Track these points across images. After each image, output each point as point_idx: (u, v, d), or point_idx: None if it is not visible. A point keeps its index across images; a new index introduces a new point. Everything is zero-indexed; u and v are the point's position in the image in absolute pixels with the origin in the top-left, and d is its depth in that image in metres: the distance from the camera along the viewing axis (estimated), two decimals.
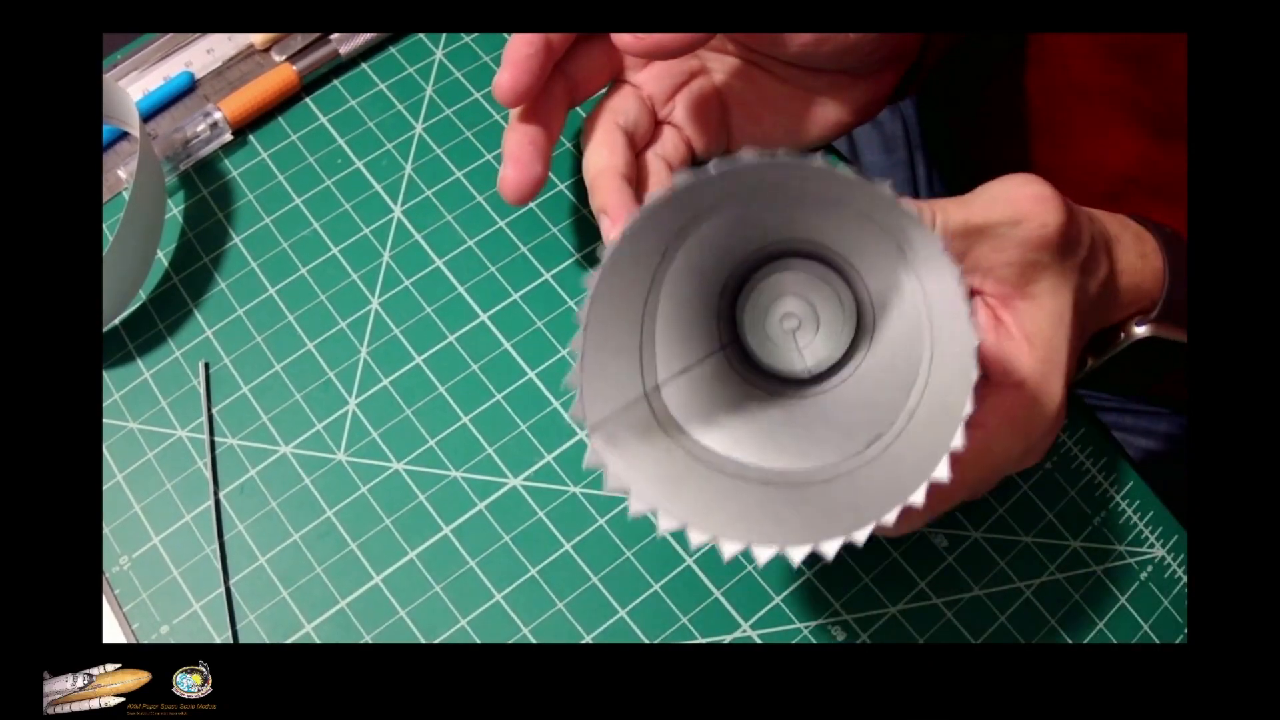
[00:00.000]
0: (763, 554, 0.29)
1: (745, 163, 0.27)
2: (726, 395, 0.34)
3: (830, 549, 0.28)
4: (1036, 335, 0.34)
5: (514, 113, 0.40)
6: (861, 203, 0.30)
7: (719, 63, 0.42)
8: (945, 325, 0.30)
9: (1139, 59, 0.42)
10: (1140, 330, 0.38)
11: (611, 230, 0.38)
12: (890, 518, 0.28)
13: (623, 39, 0.37)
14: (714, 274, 0.34)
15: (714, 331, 0.34)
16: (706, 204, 0.31)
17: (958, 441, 0.27)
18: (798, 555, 0.28)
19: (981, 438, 0.33)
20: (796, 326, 0.34)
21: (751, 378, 0.35)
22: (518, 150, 0.38)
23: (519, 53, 0.38)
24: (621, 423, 0.31)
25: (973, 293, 0.34)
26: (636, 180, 0.40)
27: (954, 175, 0.64)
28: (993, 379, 0.34)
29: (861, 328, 0.34)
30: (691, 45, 0.37)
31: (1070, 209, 0.33)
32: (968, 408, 0.27)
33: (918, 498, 0.28)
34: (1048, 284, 0.34)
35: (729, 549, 0.29)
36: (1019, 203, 0.33)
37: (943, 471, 0.27)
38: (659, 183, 0.41)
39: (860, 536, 0.28)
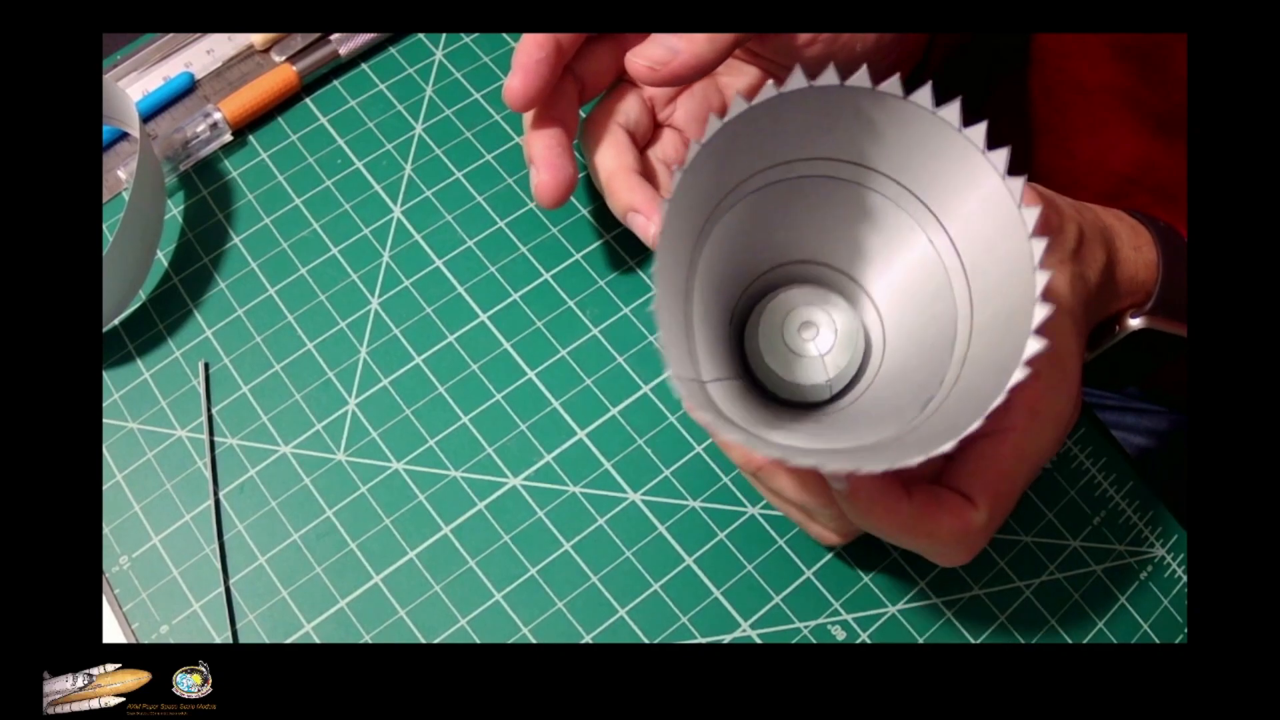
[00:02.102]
0: (875, 468, 0.28)
1: (824, 84, 0.29)
2: (757, 413, 0.33)
3: (947, 446, 0.28)
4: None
5: (529, 118, 0.39)
6: (907, 139, 0.30)
7: (724, 65, 0.42)
8: (986, 258, 0.30)
9: (1143, 58, 0.42)
10: (1135, 322, 0.38)
11: (650, 226, 0.38)
12: (976, 425, 0.27)
13: (637, 69, 0.37)
14: (723, 296, 0.34)
15: (728, 359, 0.34)
16: (731, 185, 0.32)
17: (1020, 373, 0.27)
18: (915, 459, 0.28)
19: (1014, 442, 0.33)
20: (815, 335, 0.34)
21: (772, 405, 0.35)
22: (547, 154, 0.38)
23: (530, 57, 0.37)
24: (692, 387, 0.31)
25: None
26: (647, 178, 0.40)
27: None
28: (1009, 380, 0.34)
29: (870, 337, 0.34)
30: (703, 72, 0.37)
31: (1047, 200, 0.33)
32: (1033, 344, 0.28)
33: (977, 423, 0.28)
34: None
35: (832, 468, 0.28)
36: None
37: (1002, 396, 0.28)
38: (662, 185, 0.41)
39: (952, 445, 0.27)
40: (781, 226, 0.34)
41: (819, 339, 0.34)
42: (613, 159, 0.40)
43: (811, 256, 0.35)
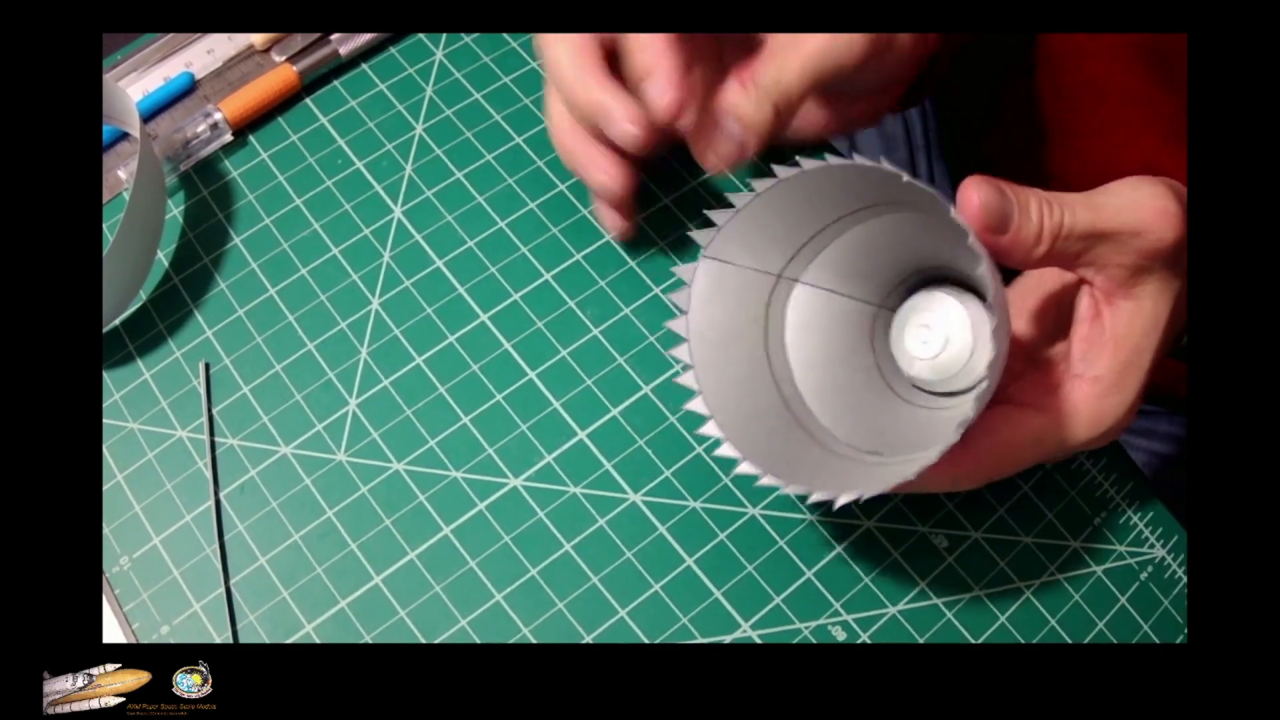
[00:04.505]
0: (814, 497, 0.34)
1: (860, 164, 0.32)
2: (857, 390, 0.38)
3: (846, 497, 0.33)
4: (1126, 339, 0.34)
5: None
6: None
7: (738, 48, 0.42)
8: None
9: (1160, 61, 0.42)
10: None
11: (624, 110, 0.37)
12: (920, 465, 0.32)
13: (719, 168, 0.37)
14: (871, 285, 0.38)
15: (866, 343, 0.38)
16: (830, 215, 0.36)
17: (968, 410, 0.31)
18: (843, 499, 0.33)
19: (1042, 424, 0.35)
20: (927, 339, 0.37)
21: (893, 384, 0.38)
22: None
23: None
24: (733, 273, 0.36)
25: (1081, 282, 0.35)
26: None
27: (963, 173, 0.64)
28: (1072, 369, 0.35)
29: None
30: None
31: (1184, 204, 0.34)
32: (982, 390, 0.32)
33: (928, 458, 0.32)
34: (1152, 288, 0.34)
35: (786, 488, 0.34)
36: (1144, 214, 0.33)
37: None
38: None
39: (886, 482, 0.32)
40: (922, 238, 0.36)
41: (929, 344, 0.37)
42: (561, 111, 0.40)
43: (955, 265, 0.37)
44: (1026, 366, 0.38)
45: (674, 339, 0.37)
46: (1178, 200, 0.34)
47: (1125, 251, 0.34)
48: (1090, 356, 0.35)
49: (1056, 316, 0.39)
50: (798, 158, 0.33)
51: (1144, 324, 0.34)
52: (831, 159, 0.32)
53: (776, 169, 0.34)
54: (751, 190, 0.35)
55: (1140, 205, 0.34)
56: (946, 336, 0.36)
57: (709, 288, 0.36)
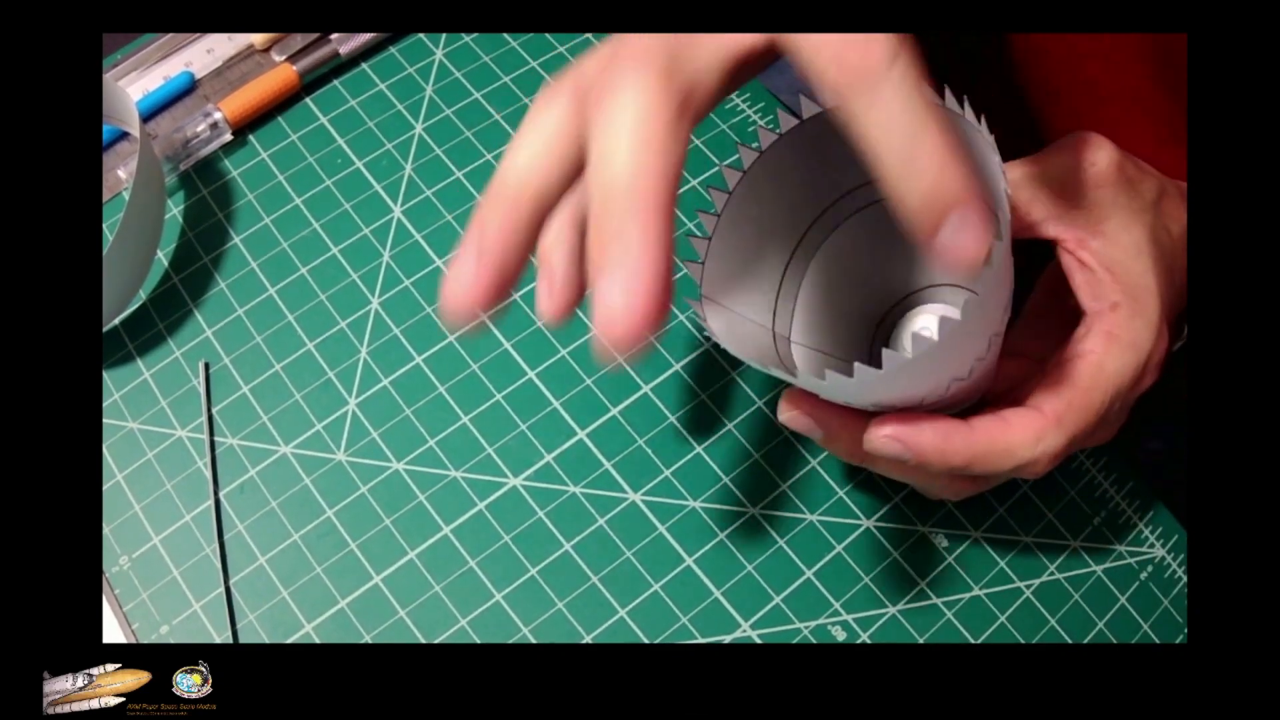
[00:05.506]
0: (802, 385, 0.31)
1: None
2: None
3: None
4: (1117, 264, 0.35)
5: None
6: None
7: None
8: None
9: (1160, 61, 0.42)
10: None
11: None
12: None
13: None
14: (865, 296, 0.37)
15: (864, 352, 0.37)
16: (846, 187, 0.35)
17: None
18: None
19: (1092, 362, 0.34)
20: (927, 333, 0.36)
21: None
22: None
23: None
24: (737, 320, 0.34)
25: (1054, 242, 0.36)
26: None
27: None
28: (1087, 311, 0.35)
29: None
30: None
31: (1122, 152, 0.35)
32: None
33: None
34: (1118, 221, 0.35)
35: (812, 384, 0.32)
36: (1067, 148, 0.35)
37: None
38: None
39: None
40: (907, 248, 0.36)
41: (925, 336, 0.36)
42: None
43: (943, 279, 0.37)
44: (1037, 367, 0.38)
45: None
46: (1100, 135, 0.35)
47: (1068, 190, 0.34)
48: (1098, 292, 0.35)
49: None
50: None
51: (1125, 251, 0.35)
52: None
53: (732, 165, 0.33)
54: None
55: (1061, 143, 0.35)
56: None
57: (726, 336, 0.33)
